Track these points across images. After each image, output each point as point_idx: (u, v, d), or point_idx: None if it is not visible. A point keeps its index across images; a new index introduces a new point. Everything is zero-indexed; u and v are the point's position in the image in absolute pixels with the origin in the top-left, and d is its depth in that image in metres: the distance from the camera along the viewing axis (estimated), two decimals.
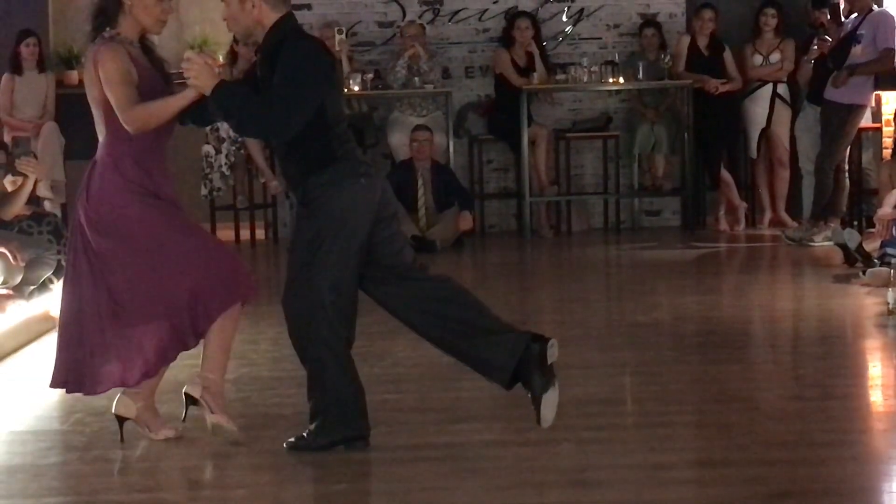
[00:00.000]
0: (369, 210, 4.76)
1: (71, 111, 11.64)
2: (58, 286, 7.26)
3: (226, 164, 10.77)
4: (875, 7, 10.04)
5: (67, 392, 5.08)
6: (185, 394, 5.05)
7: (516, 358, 4.77)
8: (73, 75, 12.34)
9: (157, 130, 4.96)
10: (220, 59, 11.62)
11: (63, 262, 7.22)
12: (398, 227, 4.95)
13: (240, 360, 6.37)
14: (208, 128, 10.82)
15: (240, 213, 11.03)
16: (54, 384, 5.00)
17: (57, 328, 5.07)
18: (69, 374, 4.95)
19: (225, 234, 10.84)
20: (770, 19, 10.95)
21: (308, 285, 4.73)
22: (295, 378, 5.53)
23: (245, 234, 10.96)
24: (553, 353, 4.77)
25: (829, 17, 10.61)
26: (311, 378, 4.84)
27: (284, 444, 4.88)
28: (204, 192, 10.82)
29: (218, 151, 10.76)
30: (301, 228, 4.84)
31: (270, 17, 4.80)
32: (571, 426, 5.06)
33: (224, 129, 10.74)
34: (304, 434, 4.86)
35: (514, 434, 5.06)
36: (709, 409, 5.41)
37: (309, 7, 11.17)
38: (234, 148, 10.76)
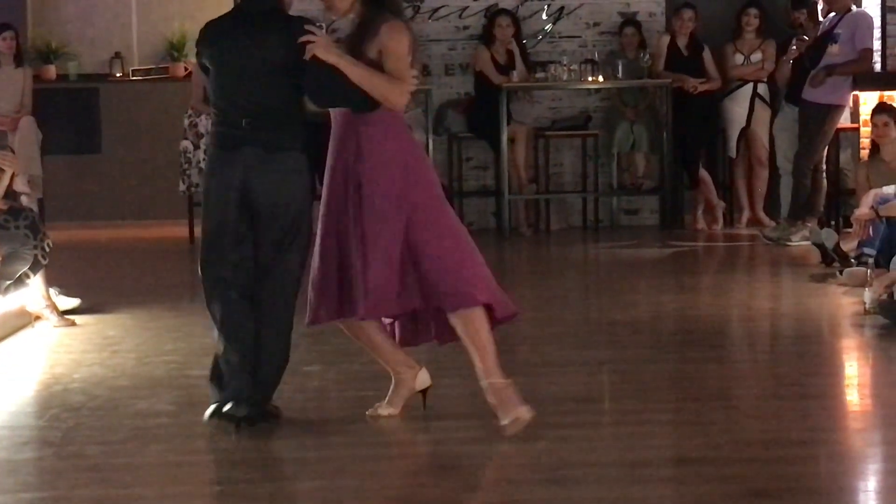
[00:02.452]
0: None
1: (48, 106, 11.63)
2: (34, 281, 7.24)
3: (204, 159, 10.74)
4: (854, 7, 10.07)
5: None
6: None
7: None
8: (51, 70, 12.31)
9: None
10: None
11: (40, 258, 7.20)
12: None
13: None
14: (186, 123, 10.80)
15: None
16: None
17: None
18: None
19: None
20: (752, 19, 10.99)
21: None
22: None
23: None
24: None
25: (807, 17, 10.65)
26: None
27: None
28: (182, 187, 10.78)
29: (196, 147, 10.73)
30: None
31: None
32: (549, 424, 5.06)
33: (203, 124, 10.71)
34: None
35: (490, 432, 5.05)
36: (686, 407, 5.42)
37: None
38: None
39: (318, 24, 5.32)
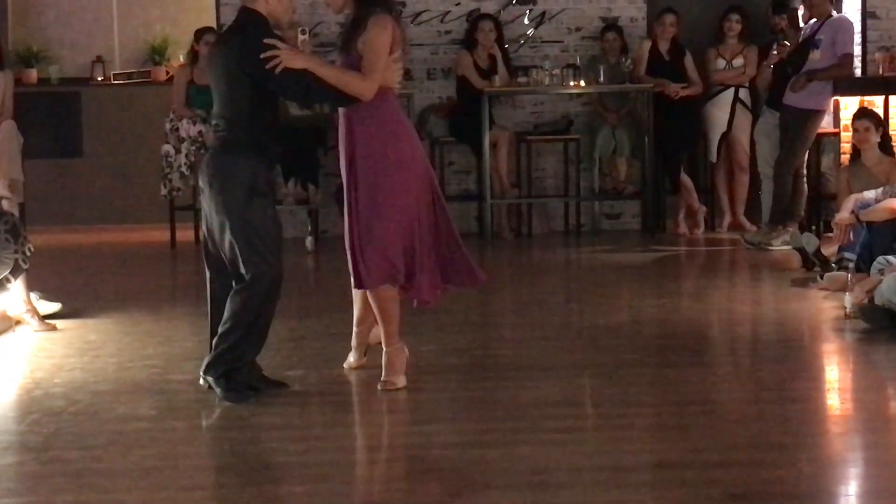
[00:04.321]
0: None
1: (29, 110, 11.59)
2: (15, 285, 7.22)
3: (185, 163, 10.72)
4: (834, 13, 10.11)
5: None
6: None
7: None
8: (32, 73, 12.28)
9: None
10: (181, 58, 11.60)
11: (20, 262, 7.18)
12: None
13: (199, 360, 6.33)
14: (168, 127, 10.79)
15: (199, 213, 10.96)
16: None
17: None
18: None
19: (184, 234, 10.80)
20: (734, 24, 11.02)
21: None
22: None
23: None
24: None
25: (788, 22, 10.68)
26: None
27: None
28: (163, 191, 10.76)
29: (178, 151, 10.71)
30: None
31: None
32: (530, 428, 5.07)
33: (184, 128, 10.70)
34: None
35: (473, 435, 5.06)
36: (667, 411, 5.43)
37: None
38: (193, 147, 10.71)
39: (300, 27, 5.60)
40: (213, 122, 5.58)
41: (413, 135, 5.68)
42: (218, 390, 5.50)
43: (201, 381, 5.62)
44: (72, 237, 11.54)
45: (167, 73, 12.21)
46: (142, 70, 12.42)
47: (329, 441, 4.96)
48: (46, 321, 7.35)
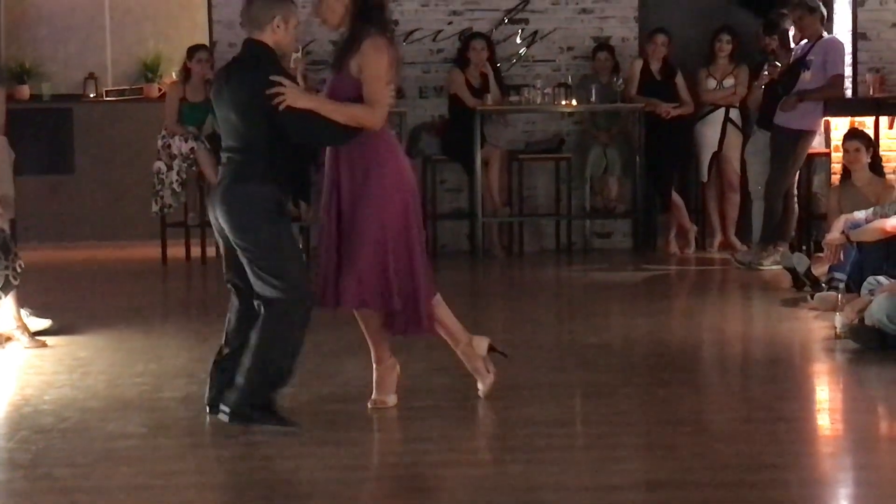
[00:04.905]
0: None
1: (21, 126, 11.58)
2: (5, 302, 7.20)
3: (177, 180, 10.72)
4: (825, 34, 10.15)
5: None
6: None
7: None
8: (24, 90, 12.27)
9: None
10: (174, 75, 11.61)
11: (11, 278, 7.17)
12: None
13: (189, 377, 6.34)
14: (160, 144, 10.78)
15: (191, 229, 10.98)
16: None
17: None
18: None
19: (176, 250, 10.79)
20: (725, 45, 11.06)
21: None
22: None
23: (196, 251, 10.90)
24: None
25: (778, 43, 10.72)
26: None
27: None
28: (155, 208, 10.75)
29: (169, 168, 10.71)
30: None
31: None
32: (520, 447, 5.07)
33: (176, 145, 10.70)
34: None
35: (463, 454, 5.05)
36: (657, 430, 5.43)
37: None
38: (185, 164, 10.71)
39: (295, 47, 5.57)
40: (225, 154, 5.40)
41: (400, 159, 5.56)
42: (263, 426, 5.25)
43: (219, 417, 5.33)
44: (63, 254, 11.53)
45: (159, 90, 12.21)
46: (134, 87, 12.42)
47: (319, 459, 4.95)
48: (36, 338, 7.33)
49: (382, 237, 5.43)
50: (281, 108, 5.20)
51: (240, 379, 5.27)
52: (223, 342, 5.50)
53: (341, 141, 5.40)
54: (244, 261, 5.31)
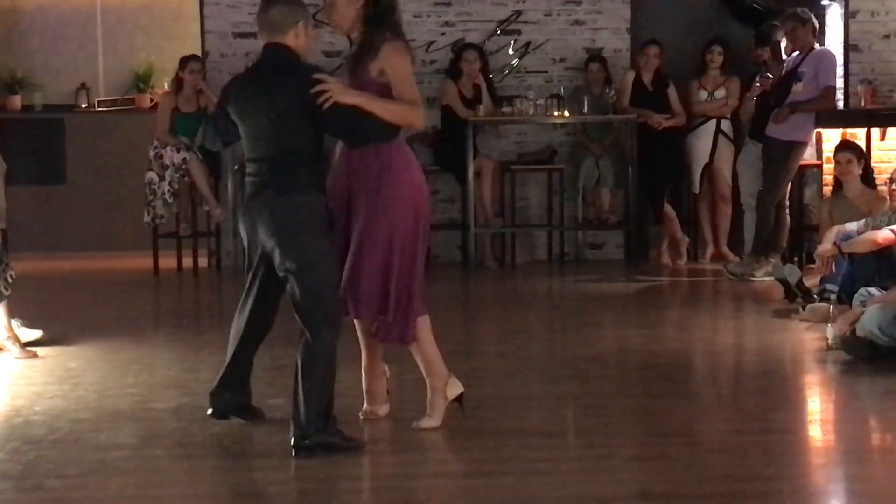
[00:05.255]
0: None
1: (13, 136, 11.57)
2: None
3: (169, 191, 10.72)
4: (817, 46, 10.17)
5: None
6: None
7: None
8: (16, 100, 12.26)
9: None
10: (166, 85, 11.60)
11: (2, 289, 7.15)
12: None
13: (181, 388, 6.33)
14: (152, 154, 10.78)
15: (183, 240, 10.97)
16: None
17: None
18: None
19: (168, 261, 10.78)
20: (716, 56, 11.08)
21: None
22: None
23: (188, 262, 10.89)
24: None
25: (770, 55, 10.74)
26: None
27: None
28: (147, 219, 10.75)
29: (161, 178, 10.70)
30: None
31: None
32: (513, 458, 5.06)
33: (168, 155, 10.70)
34: None
35: (456, 465, 5.05)
36: (650, 442, 5.42)
37: (257, 35, 11.13)
38: (177, 175, 10.71)
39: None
40: (256, 164, 5.25)
41: (413, 169, 5.54)
42: (330, 448, 5.11)
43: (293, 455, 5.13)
44: (54, 264, 11.51)
45: (151, 100, 12.20)
46: (126, 97, 12.41)
47: (311, 470, 4.94)
48: (27, 348, 7.32)
49: (390, 249, 5.36)
50: (327, 105, 5.12)
51: (301, 410, 5.09)
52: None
53: (385, 138, 5.36)
54: (282, 273, 5.17)
